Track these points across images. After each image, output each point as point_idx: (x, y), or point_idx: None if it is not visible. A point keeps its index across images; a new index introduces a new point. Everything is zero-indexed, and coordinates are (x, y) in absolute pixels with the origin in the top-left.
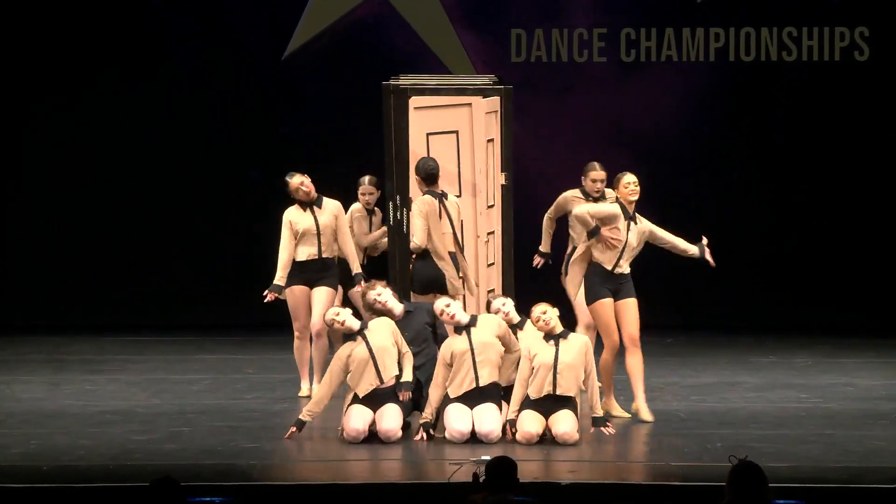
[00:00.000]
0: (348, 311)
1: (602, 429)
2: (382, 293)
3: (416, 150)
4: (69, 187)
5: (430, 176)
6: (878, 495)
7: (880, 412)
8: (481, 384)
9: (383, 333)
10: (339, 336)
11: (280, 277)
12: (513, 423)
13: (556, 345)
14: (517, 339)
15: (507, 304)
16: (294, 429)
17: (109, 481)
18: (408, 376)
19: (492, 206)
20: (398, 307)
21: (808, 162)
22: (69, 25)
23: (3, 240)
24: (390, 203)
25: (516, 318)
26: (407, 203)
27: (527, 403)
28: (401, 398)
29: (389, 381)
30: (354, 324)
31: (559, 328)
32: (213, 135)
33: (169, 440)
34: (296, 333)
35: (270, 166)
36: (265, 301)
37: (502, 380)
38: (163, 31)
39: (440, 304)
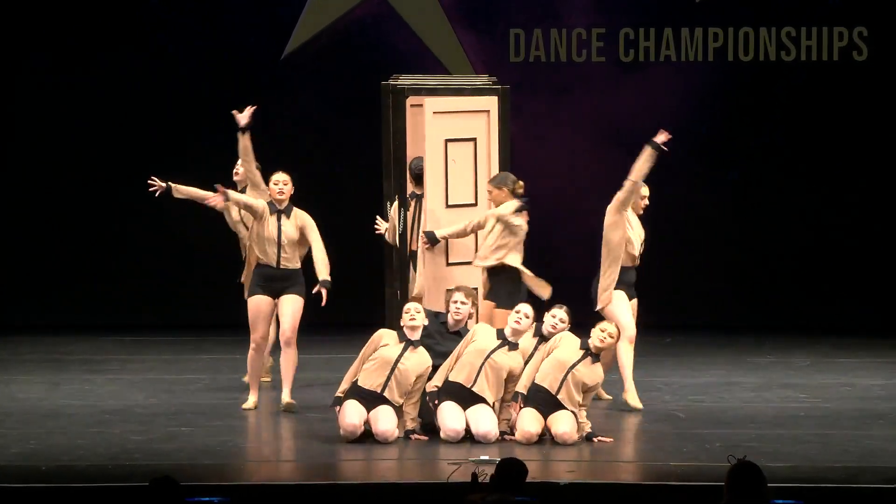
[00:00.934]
0: (424, 315)
1: (596, 440)
2: (466, 303)
3: (419, 149)
4: (69, 187)
5: (416, 177)
6: (877, 495)
7: (879, 412)
8: (474, 389)
9: (417, 365)
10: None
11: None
12: (524, 397)
13: (583, 357)
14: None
15: (561, 322)
16: (338, 408)
17: (108, 481)
18: (410, 426)
19: (460, 206)
20: (463, 322)
21: (808, 162)
22: (69, 25)
23: (2, 240)
24: (388, 203)
25: (558, 336)
26: (405, 204)
27: (530, 392)
28: (413, 440)
29: (388, 396)
30: (415, 333)
31: (603, 351)
32: (212, 135)
33: (167, 440)
34: (252, 344)
35: (269, 166)
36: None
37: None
38: (163, 31)
39: (524, 308)
